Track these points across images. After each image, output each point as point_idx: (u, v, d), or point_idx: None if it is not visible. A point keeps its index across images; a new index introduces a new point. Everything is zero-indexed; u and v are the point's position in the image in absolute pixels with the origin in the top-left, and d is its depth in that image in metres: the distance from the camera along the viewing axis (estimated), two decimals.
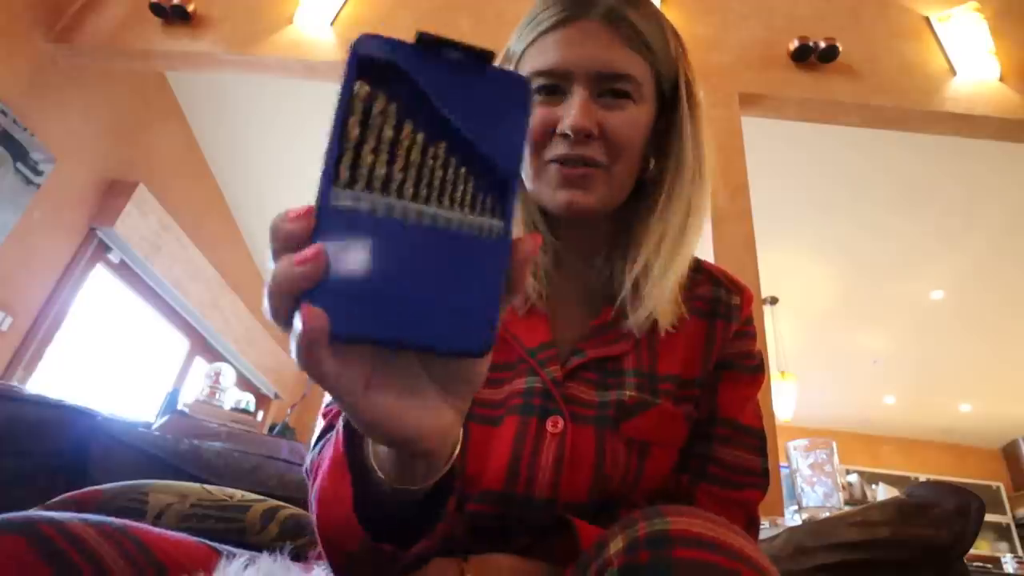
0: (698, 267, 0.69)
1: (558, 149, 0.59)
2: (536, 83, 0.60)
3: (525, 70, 0.61)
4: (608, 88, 0.59)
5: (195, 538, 0.53)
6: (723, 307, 0.66)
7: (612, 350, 0.62)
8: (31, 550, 0.40)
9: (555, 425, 0.58)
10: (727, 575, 0.34)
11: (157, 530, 0.50)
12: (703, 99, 0.65)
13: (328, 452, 0.45)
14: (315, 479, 0.48)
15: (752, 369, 0.67)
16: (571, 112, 0.57)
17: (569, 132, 0.57)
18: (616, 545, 0.38)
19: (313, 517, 0.46)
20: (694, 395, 0.63)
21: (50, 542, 0.41)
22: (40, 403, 1.14)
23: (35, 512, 0.44)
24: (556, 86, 0.60)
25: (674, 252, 0.61)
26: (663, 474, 0.61)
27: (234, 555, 0.44)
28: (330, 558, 0.47)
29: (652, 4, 0.63)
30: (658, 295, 0.60)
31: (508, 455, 0.56)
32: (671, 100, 0.64)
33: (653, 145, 0.63)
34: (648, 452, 0.59)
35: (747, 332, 0.67)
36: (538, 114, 0.60)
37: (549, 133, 0.59)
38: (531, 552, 0.54)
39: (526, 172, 0.63)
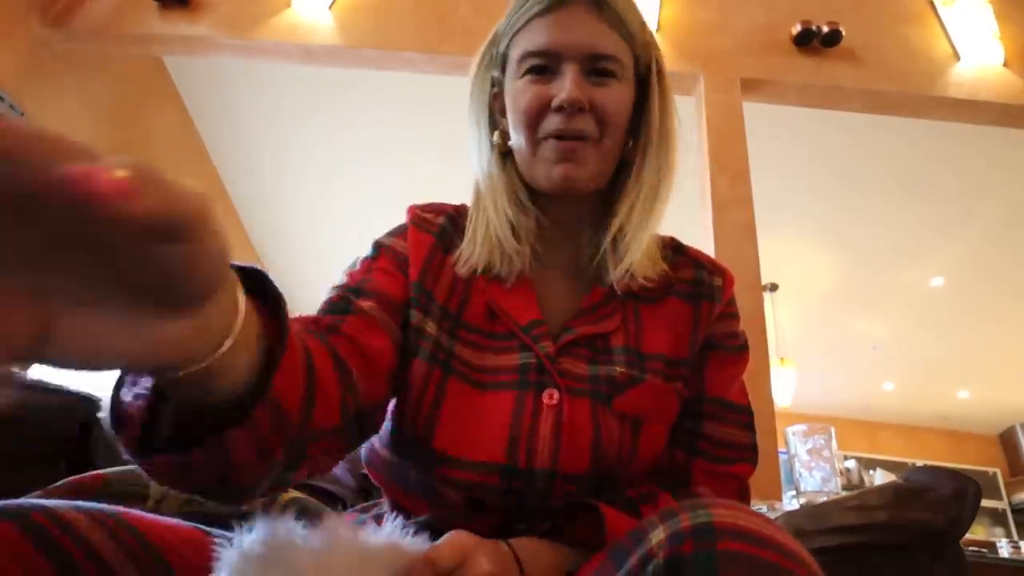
0: (679, 249, 0.73)
1: (553, 124, 0.63)
2: (528, 63, 0.65)
3: (516, 51, 0.67)
4: (595, 68, 0.64)
5: (188, 523, 0.53)
6: (706, 288, 0.69)
7: (601, 327, 0.65)
8: (24, 537, 0.41)
9: (551, 397, 0.60)
10: (770, 568, 0.35)
11: (150, 516, 0.50)
12: (671, 83, 0.71)
13: None
14: None
15: (737, 349, 0.70)
16: (565, 86, 0.62)
17: (564, 104, 0.62)
18: (658, 536, 0.39)
19: None
20: (682, 374, 0.66)
21: (42, 529, 0.42)
22: (42, 389, 1.15)
23: (27, 500, 0.44)
24: (546, 66, 0.65)
25: (647, 211, 0.66)
26: (657, 451, 0.63)
27: (228, 539, 0.44)
28: None
29: None
30: (635, 249, 0.65)
31: (507, 429, 0.58)
32: (645, 82, 0.69)
33: (631, 125, 0.68)
34: (640, 428, 0.61)
35: (731, 313, 0.71)
36: (532, 91, 0.64)
37: (544, 109, 0.64)
38: (552, 536, 0.55)
39: (520, 150, 0.66)
